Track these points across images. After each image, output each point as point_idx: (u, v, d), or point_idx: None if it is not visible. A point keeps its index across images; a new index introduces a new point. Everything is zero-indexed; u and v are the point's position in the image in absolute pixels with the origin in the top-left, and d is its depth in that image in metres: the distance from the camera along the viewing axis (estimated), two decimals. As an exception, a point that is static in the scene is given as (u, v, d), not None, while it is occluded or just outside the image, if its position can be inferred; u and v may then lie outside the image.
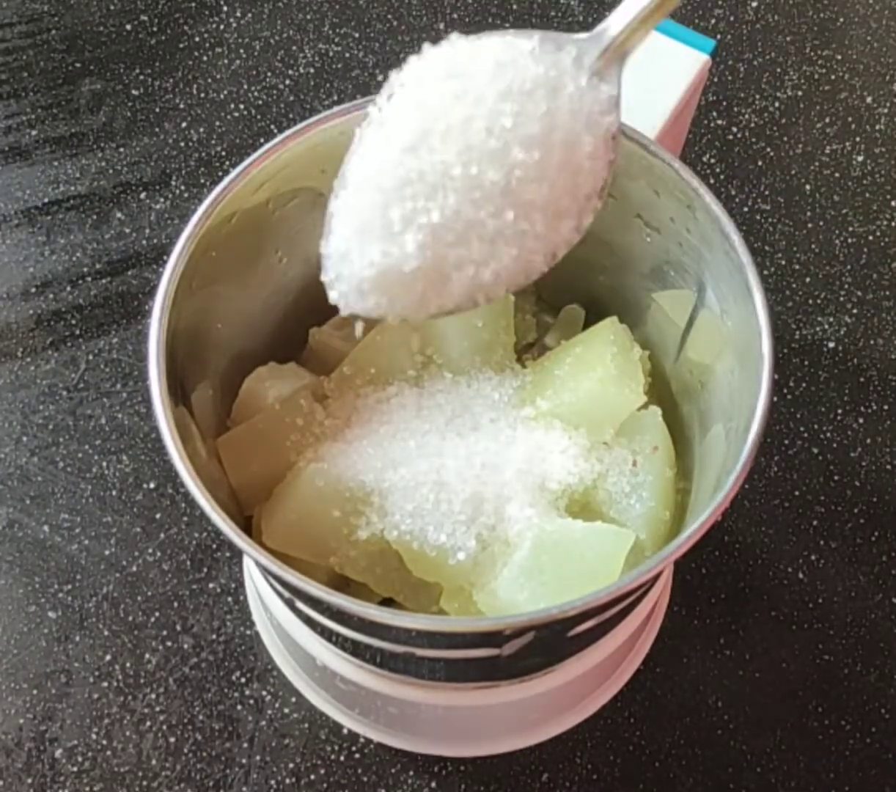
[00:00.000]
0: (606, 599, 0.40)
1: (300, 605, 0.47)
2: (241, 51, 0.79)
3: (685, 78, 0.49)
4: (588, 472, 0.51)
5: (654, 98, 0.49)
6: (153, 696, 0.63)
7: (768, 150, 0.76)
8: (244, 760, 0.62)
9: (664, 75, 0.49)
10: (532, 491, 0.50)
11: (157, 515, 0.67)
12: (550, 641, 0.48)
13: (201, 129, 0.77)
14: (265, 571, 0.44)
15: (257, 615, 0.63)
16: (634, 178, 0.48)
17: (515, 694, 0.54)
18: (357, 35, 0.80)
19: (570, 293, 0.57)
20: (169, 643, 0.64)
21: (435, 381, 0.53)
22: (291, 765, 0.62)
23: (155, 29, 0.80)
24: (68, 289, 0.72)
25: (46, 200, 0.75)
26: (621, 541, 0.48)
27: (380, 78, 0.78)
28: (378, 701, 0.56)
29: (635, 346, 0.54)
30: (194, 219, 0.44)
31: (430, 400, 0.52)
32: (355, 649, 0.50)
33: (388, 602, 0.51)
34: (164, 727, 0.62)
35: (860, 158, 0.75)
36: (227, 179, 0.45)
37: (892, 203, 0.74)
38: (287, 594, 0.47)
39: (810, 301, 0.72)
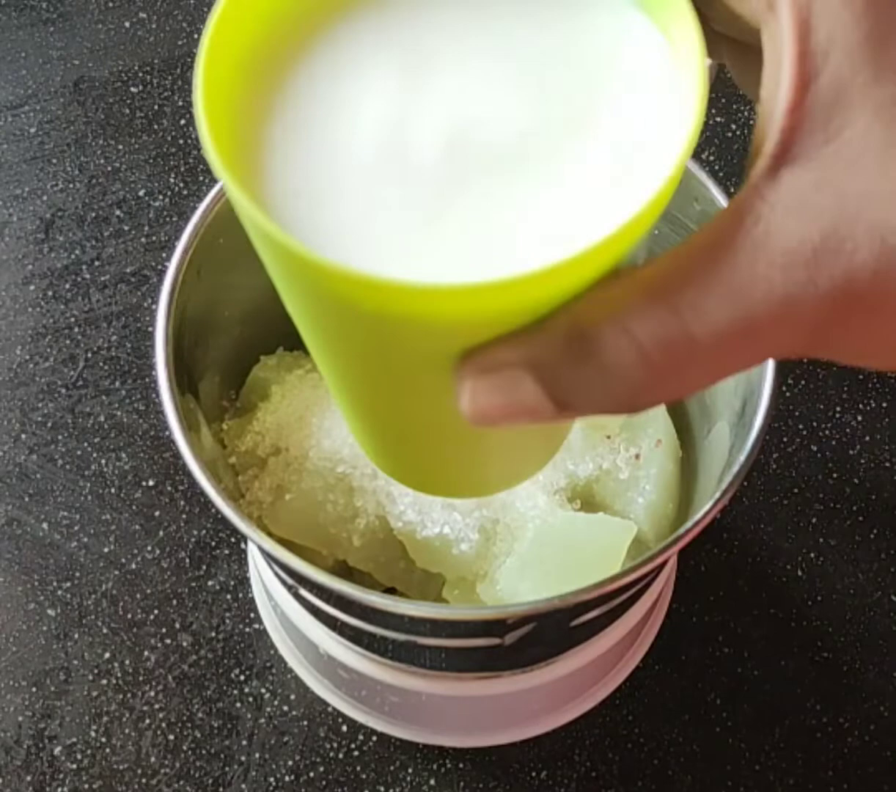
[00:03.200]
0: (607, 589, 0.40)
1: (304, 593, 0.47)
2: (240, 50, 0.79)
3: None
4: (592, 464, 0.51)
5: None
6: (152, 693, 0.63)
7: (766, 148, 0.76)
8: (243, 758, 0.61)
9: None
10: (536, 483, 0.50)
11: (156, 513, 0.67)
12: (552, 631, 0.48)
13: (200, 127, 0.77)
14: (269, 558, 0.44)
15: (262, 605, 0.63)
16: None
17: (517, 685, 0.54)
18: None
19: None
20: (168, 641, 0.64)
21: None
22: (290, 762, 0.61)
23: (153, 26, 0.80)
24: (67, 286, 0.72)
25: (46, 198, 0.75)
26: (623, 533, 0.48)
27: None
28: (381, 690, 0.56)
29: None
30: (203, 206, 0.44)
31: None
32: (358, 638, 0.50)
33: (391, 592, 0.51)
34: (164, 725, 0.62)
35: (858, 157, 0.75)
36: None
37: (890, 202, 0.75)
38: (291, 581, 0.47)
39: (808, 299, 0.72)
